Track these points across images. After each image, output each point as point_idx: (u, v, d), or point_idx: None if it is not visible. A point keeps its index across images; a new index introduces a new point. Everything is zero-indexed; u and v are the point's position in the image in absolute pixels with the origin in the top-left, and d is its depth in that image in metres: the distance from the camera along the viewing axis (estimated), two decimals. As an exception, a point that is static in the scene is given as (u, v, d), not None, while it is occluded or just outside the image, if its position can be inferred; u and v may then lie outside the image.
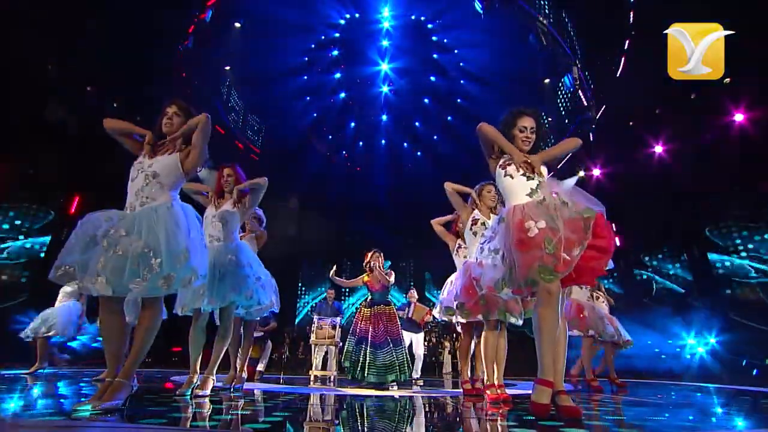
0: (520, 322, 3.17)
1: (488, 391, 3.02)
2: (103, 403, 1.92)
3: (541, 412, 1.99)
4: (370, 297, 4.96)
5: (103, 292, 1.99)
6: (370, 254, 4.99)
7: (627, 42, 9.79)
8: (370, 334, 4.70)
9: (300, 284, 14.65)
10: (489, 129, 2.42)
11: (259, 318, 6.06)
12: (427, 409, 2.76)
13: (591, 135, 11.03)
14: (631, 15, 9.48)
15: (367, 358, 4.57)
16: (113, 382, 2.04)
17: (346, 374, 4.84)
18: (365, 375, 4.53)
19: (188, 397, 2.76)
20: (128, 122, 2.43)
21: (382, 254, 5.04)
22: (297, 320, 13.84)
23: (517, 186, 2.29)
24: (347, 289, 14.14)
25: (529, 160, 2.32)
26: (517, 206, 2.21)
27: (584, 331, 4.71)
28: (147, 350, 2.16)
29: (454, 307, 3.14)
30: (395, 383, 4.60)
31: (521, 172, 2.31)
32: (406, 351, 4.86)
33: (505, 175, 2.34)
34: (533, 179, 2.28)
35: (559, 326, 2.13)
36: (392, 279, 4.91)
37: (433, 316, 5.80)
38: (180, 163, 2.32)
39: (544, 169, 2.38)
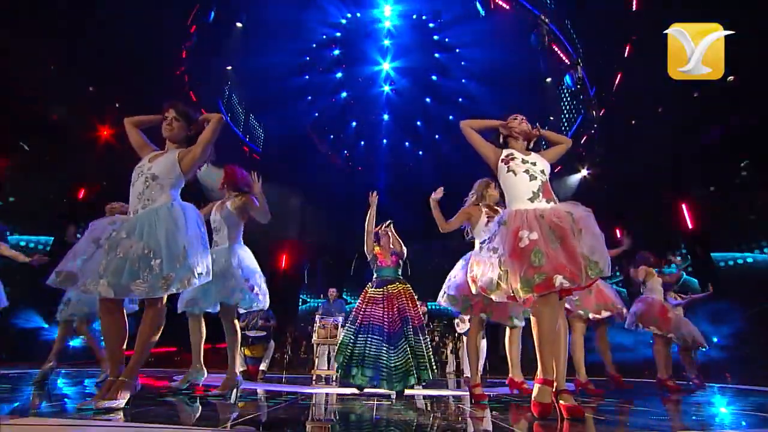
0: (522, 323, 3.18)
1: (474, 390, 3.00)
2: (106, 402, 1.94)
3: (543, 412, 2.00)
4: (376, 276, 3.91)
5: (105, 294, 2.01)
6: (381, 226, 4.15)
7: (628, 40, 9.76)
8: (384, 321, 3.57)
9: (301, 284, 14.64)
10: (469, 120, 2.50)
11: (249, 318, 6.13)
12: (430, 409, 2.77)
13: (593, 133, 11.02)
14: (634, 13, 9.44)
15: (378, 354, 3.47)
16: (116, 381, 2.06)
17: (338, 372, 3.74)
18: (372, 377, 3.45)
19: (184, 390, 2.80)
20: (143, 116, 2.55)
21: (392, 224, 4.18)
22: (298, 320, 13.84)
23: (520, 186, 2.28)
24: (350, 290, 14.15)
25: (510, 124, 2.45)
26: (518, 212, 2.20)
27: (665, 332, 4.75)
28: (150, 350, 2.19)
29: (458, 297, 3.05)
30: (396, 391, 3.46)
31: (524, 168, 2.31)
32: (429, 342, 3.80)
33: (508, 171, 2.33)
34: (536, 179, 2.28)
35: (558, 325, 2.14)
36: (405, 250, 4.01)
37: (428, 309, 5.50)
38: (178, 162, 2.33)
39: (546, 165, 2.38)
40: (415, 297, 3.82)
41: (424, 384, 3.63)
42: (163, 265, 2.04)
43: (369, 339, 3.56)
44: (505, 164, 2.35)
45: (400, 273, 3.94)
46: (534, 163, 2.34)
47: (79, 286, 2.04)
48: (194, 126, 2.47)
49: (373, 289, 3.81)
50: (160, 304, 2.17)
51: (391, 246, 4.00)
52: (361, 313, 3.71)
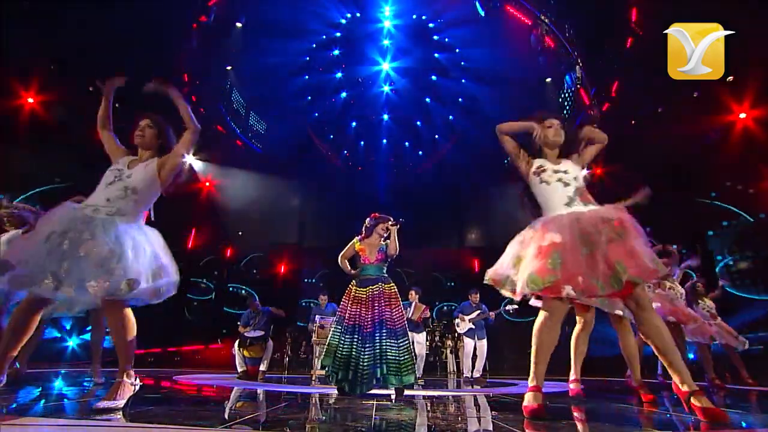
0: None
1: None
2: (105, 402, 1.94)
3: (536, 413, 2.05)
4: (360, 275, 3.75)
5: (63, 293, 1.95)
6: (387, 223, 3.92)
7: (628, 41, 9.76)
8: (365, 321, 3.50)
9: (300, 284, 14.63)
10: (505, 124, 2.49)
11: None
12: (429, 409, 2.77)
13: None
14: (633, 13, 9.45)
15: (360, 355, 3.40)
16: (114, 381, 2.06)
17: (327, 376, 3.59)
18: (356, 381, 3.37)
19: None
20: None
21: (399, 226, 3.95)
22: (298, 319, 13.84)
23: (554, 195, 2.29)
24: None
25: (548, 125, 2.45)
26: (554, 217, 2.21)
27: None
28: (130, 351, 2.13)
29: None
30: (395, 388, 3.37)
31: (556, 178, 2.31)
32: (413, 347, 3.71)
33: (541, 182, 2.34)
34: (570, 185, 2.29)
35: (557, 334, 2.19)
36: (396, 253, 3.85)
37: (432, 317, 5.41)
38: (157, 172, 2.31)
39: (578, 172, 2.38)
40: (398, 297, 3.68)
41: (395, 388, 3.38)
42: (126, 270, 1.99)
43: (347, 338, 3.49)
44: (537, 176, 2.37)
45: (385, 271, 3.79)
46: (566, 171, 2.35)
47: (37, 287, 1.95)
48: (167, 134, 2.46)
49: (357, 288, 3.67)
50: (120, 307, 2.10)
51: (383, 242, 3.86)
52: (346, 312, 3.59)
